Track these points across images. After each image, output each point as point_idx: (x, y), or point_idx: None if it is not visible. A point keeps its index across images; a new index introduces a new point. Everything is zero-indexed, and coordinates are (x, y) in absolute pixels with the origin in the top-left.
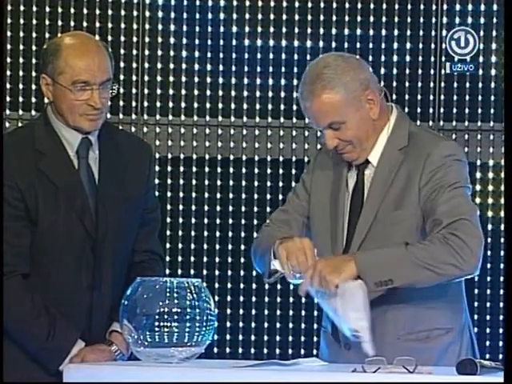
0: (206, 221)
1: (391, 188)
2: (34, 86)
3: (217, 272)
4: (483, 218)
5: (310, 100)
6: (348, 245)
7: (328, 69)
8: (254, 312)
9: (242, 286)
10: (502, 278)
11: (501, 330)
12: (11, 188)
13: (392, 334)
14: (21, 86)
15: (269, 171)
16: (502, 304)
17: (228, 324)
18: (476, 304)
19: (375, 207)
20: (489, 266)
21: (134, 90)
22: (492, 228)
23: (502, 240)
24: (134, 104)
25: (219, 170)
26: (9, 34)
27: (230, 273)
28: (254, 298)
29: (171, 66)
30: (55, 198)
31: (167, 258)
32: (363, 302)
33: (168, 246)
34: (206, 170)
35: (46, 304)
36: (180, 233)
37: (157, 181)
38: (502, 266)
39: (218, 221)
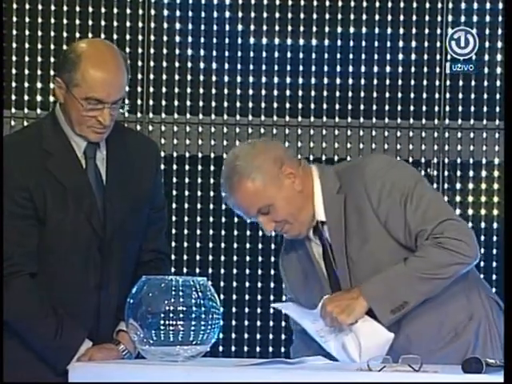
0: (211, 219)
1: (347, 230)
2: (39, 85)
3: (222, 270)
4: (489, 217)
5: (232, 195)
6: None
7: (238, 160)
8: (259, 310)
9: (247, 284)
10: (494, 277)
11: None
12: (19, 187)
13: (422, 349)
14: (26, 85)
15: None
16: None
17: (233, 322)
18: None
19: (343, 256)
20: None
21: (139, 89)
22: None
23: (495, 238)
24: (139, 102)
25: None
26: (14, 32)
27: (235, 271)
28: (259, 297)
29: (177, 64)
30: (63, 197)
31: (173, 257)
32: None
33: (173, 244)
34: (212, 168)
35: (53, 303)
36: (185, 231)
37: (162, 179)
38: (494, 264)
39: (223, 219)
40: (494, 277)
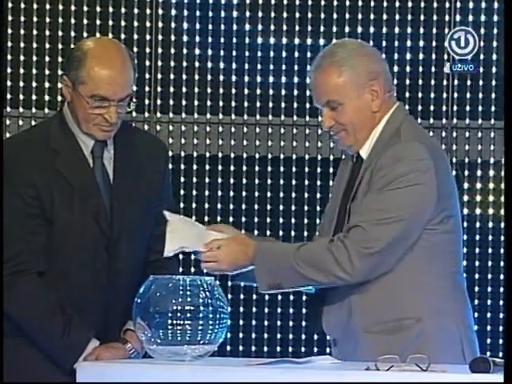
0: (218, 219)
1: (361, 184)
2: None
3: None
4: (497, 216)
5: (315, 72)
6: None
7: (342, 48)
8: (266, 310)
9: (254, 284)
10: (502, 276)
11: (501, 328)
12: (27, 186)
13: (360, 326)
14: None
15: (282, 169)
16: (501, 302)
17: (241, 322)
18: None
19: (349, 201)
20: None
21: (147, 88)
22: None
23: (502, 238)
24: (147, 102)
25: (232, 168)
26: (22, 31)
27: None
28: (267, 296)
29: (184, 64)
30: (70, 197)
31: (180, 256)
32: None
33: None
34: (219, 167)
35: (60, 302)
36: None
37: (170, 178)
38: (501, 263)
39: (231, 219)
40: (502, 276)
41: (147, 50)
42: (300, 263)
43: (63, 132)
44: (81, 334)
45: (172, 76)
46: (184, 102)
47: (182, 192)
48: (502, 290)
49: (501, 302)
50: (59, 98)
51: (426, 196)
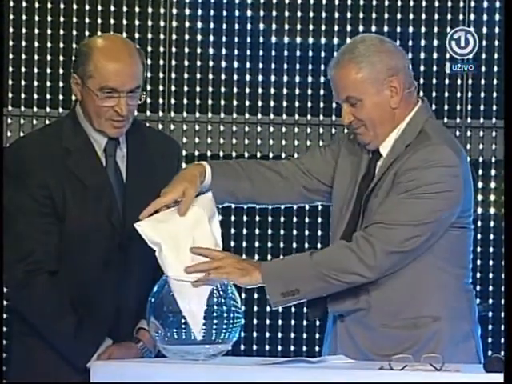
0: (232, 218)
1: (383, 179)
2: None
3: None
4: None
5: (334, 69)
6: (347, 233)
7: (362, 44)
8: (280, 309)
9: None
10: (491, 275)
11: (502, 327)
12: (40, 186)
13: (377, 321)
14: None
15: None
16: (503, 301)
17: (255, 321)
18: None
19: (364, 200)
20: (491, 262)
21: (160, 88)
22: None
23: (492, 237)
24: (160, 101)
25: None
26: (36, 31)
27: None
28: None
29: (198, 63)
30: (83, 195)
31: None
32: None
33: None
34: None
35: (73, 301)
36: None
37: None
38: (491, 262)
39: (244, 218)
40: (503, 275)
41: (161, 49)
42: (321, 264)
43: (76, 131)
44: (93, 333)
45: (186, 75)
46: (198, 102)
47: None
48: (503, 289)
49: (502, 302)
50: (61, 97)
51: (453, 201)
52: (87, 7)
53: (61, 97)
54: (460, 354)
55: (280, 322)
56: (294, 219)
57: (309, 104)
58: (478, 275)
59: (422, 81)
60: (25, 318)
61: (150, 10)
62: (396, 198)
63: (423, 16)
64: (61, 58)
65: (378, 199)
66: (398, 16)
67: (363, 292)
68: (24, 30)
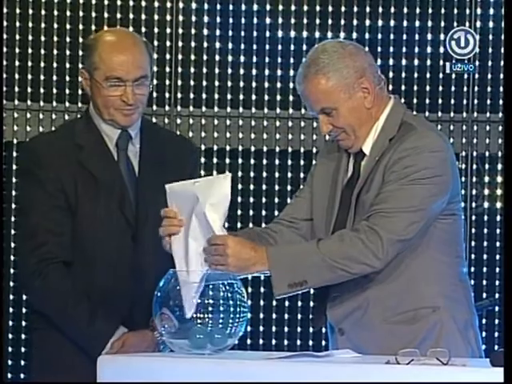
0: (239, 212)
1: (372, 175)
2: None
3: None
4: None
5: (303, 84)
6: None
7: (324, 54)
8: (287, 303)
9: None
10: (498, 270)
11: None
12: (52, 179)
13: (378, 316)
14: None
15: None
16: (497, 295)
17: (261, 315)
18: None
19: (354, 198)
20: (498, 257)
21: (167, 82)
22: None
23: (498, 231)
24: (167, 95)
25: (252, 161)
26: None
27: None
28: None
29: (204, 57)
30: (95, 188)
31: None
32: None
33: None
34: (240, 161)
35: (88, 292)
36: None
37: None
38: (497, 256)
39: (251, 212)
40: (498, 270)
41: (167, 43)
42: (329, 254)
43: (88, 127)
44: (107, 321)
45: (192, 69)
46: (204, 96)
47: None
48: (497, 283)
49: (496, 296)
50: (67, 91)
51: (444, 186)
52: (93, 1)
53: (67, 91)
54: (460, 343)
55: (286, 316)
56: None
57: None
58: (485, 269)
59: (428, 75)
60: (37, 311)
61: (156, 4)
62: (393, 186)
63: (429, 10)
64: (67, 53)
65: (372, 193)
66: (405, 10)
67: (361, 290)
68: (31, 24)
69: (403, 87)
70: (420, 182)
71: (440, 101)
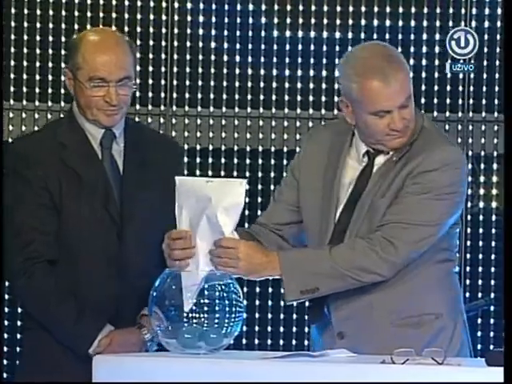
0: (246, 213)
1: (391, 179)
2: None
3: None
4: None
5: (387, 80)
6: (338, 236)
7: (394, 51)
8: (282, 303)
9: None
10: (493, 269)
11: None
12: (36, 178)
13: (384, 319)
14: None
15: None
16: (492, 295)
17: (257, 315)
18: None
19: (370, 197)
20: (493, 256)
21: (162, 82)
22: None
23: (493, 231)
24: (162, 95)
25: (248, 161)
26: (25, 24)
27: None
28: (282, 290)
29: (200, 57)
30: (79, 186)
31: None
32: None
33: None
34: (235, 161)
35: (73, 290)
36: None
37: (186, 172)
38: (493, 256)
39: (246, 212)
40: (493, 269)
41: (163, 43)
42: (342, 263)
43: (71, 127)
44: (94, 319)
45: (188, 69)
46: (200, 96)
47: None
48: (492, 282)
49: (492, 295)
50: (62, 91)
51: (461, 200)
52: (89, 1)
53: (62, 90)
54: (459, 347)
55: (282, 315)
56: None
57: (310, 98)
58: (480, 269)
59: (424, 75)
60: (24, 309)
61: (151, 3)
62: (415, 199)
63: (425, 10)
64: (63, 52)
65: (388, 199)
66: (400, 10)
67: (364, 293)
68: (26, 24)
69: None
70: (442, 197)
71: (435, 100)
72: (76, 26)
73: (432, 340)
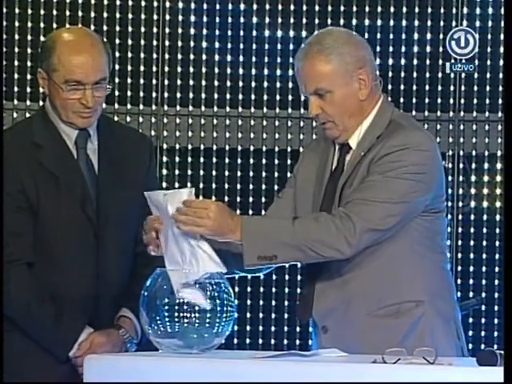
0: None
1: (357, 169)
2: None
3: None
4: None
5: (302, 60)
6: None
7: (330, 36)
8: (273, 303)
9: (261, 276)
10: (484, 269)
11: (496, 321)
12: (12, 181)
13: (362, 311)
14: (16, 76)
15: (289, 162)
16: (483, 294)
17: (248, 315)
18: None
19: (338, 193)
20: (497, 256)
21: (154, 81)
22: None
23: (485, 230)
24: (154, 95)
25: (239, 160)
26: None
27: None
28: (273, 289)
29: (191, 56)
30: (55, 187)
31: None
32: None
33: None
34: (227, 160)
35: (52, 292)
36: None
37: (177, 171)
38: (484, 256)
39: (238, 212)
40: (497, 269)
41: (154, 42)
42: (302, 234)
43: (45, 126)
44: (73, 322)
45: (179, 69)
46: (191, 95)
47: (188, 185)
48: (496, 282)
49: (495, 295)
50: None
51: (427, 186)
52: (80, 0)
53: None
54: (444, 337)
55: (273, 315)
56: None
57: (302, 98)
58: (472, 269)
59: (415, 74)
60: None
61: (143, 3)
62: (375, 177)
63: (416, 9)
64: None
65: (354, 187)
66: (392, 9)
67: (344, 283)
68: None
69: (390, 86)
70: (403, 176)
71: (427, 100)
72: (67, 26)
73: (412, 329)
